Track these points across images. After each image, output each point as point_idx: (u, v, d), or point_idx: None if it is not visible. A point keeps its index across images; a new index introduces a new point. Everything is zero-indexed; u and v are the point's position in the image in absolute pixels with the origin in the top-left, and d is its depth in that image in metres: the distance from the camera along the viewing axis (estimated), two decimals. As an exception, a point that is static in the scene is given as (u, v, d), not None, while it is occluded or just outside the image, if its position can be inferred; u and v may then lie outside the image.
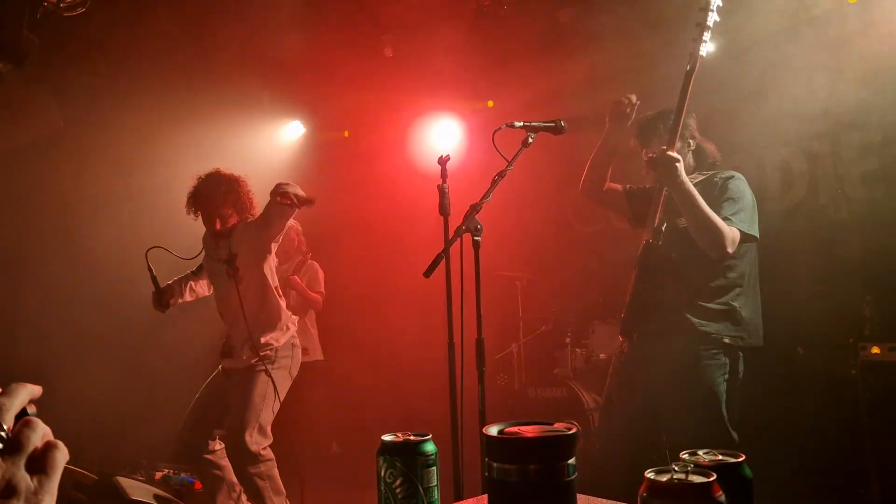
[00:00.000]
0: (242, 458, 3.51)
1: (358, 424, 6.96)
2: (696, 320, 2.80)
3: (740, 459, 0.92)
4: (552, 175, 6.45)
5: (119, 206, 5.85)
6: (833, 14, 4.85)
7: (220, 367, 3.84)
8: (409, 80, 6.28)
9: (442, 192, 2.96)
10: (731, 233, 2.77)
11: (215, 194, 3.68)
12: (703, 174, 2.99)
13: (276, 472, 3.60)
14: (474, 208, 2.54)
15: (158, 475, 4.70)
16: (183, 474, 4.68)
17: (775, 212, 5.39)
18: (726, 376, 2.81)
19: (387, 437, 1.11)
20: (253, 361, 3.62)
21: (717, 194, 2.84)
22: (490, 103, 6.85)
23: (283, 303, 3.80)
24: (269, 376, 3.59)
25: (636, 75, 5.70)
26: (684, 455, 0.96)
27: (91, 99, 5.66)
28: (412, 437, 1.11)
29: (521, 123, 2.69)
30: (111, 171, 5.79)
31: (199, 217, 3.74)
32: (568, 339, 5.20)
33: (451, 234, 2.89)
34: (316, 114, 7.07)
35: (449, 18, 5.23)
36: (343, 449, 5.85)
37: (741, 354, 2.88)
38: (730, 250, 2.75)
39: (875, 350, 4.09)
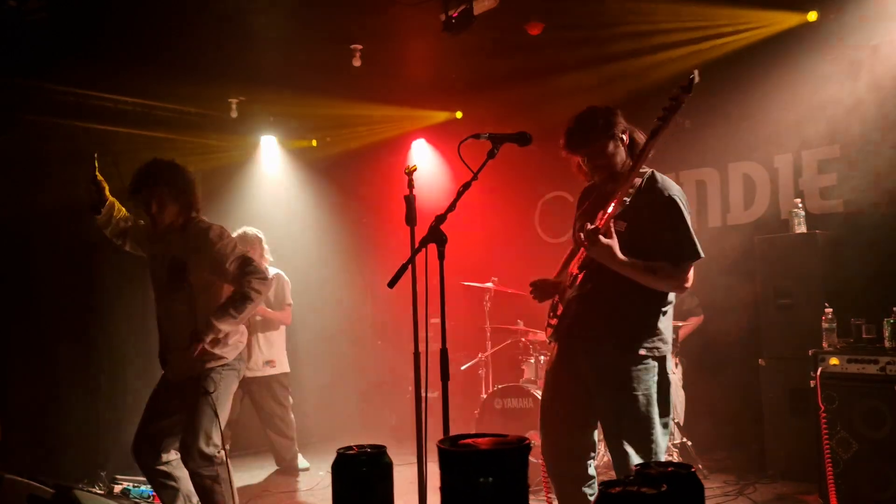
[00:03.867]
0: (197, 461, 3.44)
1: (325, 435, 6.91)
2: (623, 333, 2.80)
3: (691, 470, 0.93)
4: (519, 187, 6.51)
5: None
6: (793, 32, 4.97)
7: (165, 376, 3.69)
8: (377, 91, 6.29)
9: (409, 203, 2.95)
10: (684, 269, 2.76)
11: (159, 176, 3.54)
12: (642, 174, 2.87)
13: (229, 475, 3.54)
14: (439, 219, 2.54)
15: (117, 488, 4.60)
16: (143, 487, 4.58)
17: (738, 225, 5.50)
18: (655, 378, 2.78)
19: (342, 450, 1.10)
20: (199, 372, 3.52)
21: (666, 219, 2.77)
22: (458, 114, 6.89)
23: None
24: (215, 387, 3.50)
25: (603, 90, 5.78)
26: (636, 465, 0.96)
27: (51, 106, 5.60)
28: (368, 450, 1.09)
29: (487, 135, 2.70)
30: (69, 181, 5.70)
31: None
32: (534, 350, 5.22)
33: (414, 243, 2.91)
34: (284, 123, 7.04)
35: (418, 30, 5.23)
36: (309, 459, 5.78)
37: (665, 359, 2.84)
38: (688, 286, 2.78)
39: (834, 362, 4.16)
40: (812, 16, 4.83)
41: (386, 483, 1.08)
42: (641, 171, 2.86)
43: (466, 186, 2.60)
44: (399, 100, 6.53)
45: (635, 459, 2.71)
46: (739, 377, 5.09)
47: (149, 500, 4.44)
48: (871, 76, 4.72)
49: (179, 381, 3.57)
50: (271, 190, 7.09)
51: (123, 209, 3.83)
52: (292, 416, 5.66)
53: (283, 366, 5.65)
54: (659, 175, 2.90)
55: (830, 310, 4.29)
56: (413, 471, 5.55)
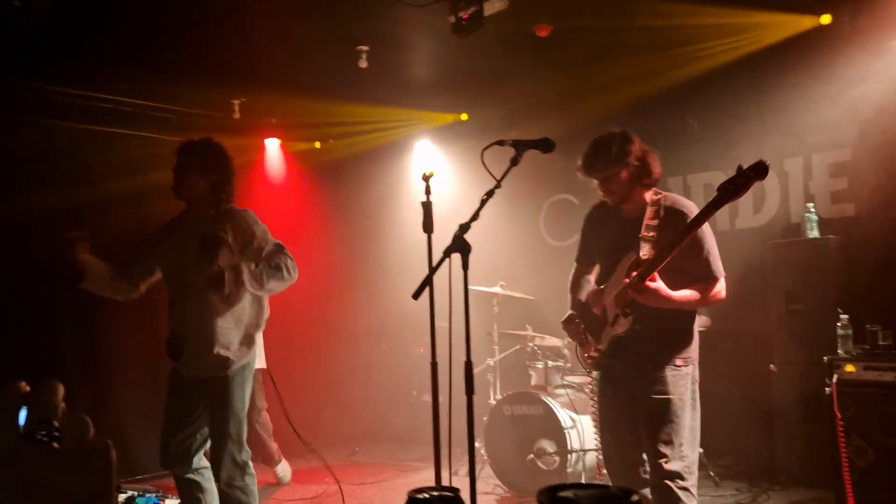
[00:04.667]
0: (230, 470, 3.32)
1: (328, 440, 6.84)
2: (665, 349, 2.99)
3: None
4: (524, 190, 6.46)
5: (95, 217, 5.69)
6: (807, 35, 4.93)
7: (176, 372, 3.45)
8: (382, 93, 6.22)
9: (426, 209, 2.89)
10: (721, 287, 2.98)
11: (209, 159, 3.40)
12: (656, 198, 3.02)
13: (256, 487, 3.45)
14: (463, 228, 2.48)
15: (122, 497, 4.52)
16: (149, 495, 4.50)
17: (748, 229, 5.46)
18: (692, 384, 3.03)
19: (413, 493, 1.03)
20: (228, 371, 3.35)
21: (696, 243, 2.90)
22: (464, 116, 6.83)
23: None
24: (244, 384, 3.41)
25: (612, 93, 5.75)
26: None
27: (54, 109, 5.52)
28: (440, 494, 1.03)
29: (511, 141, 2.64)
30: (73, 181, 5.63)
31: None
32: (543, 356, 5.16)
33: (433, 251, 2.85)
34: (287, 125, 6.96)
35: (425, 31, 5.17)
36: (314, 464, 5.72)
37: (695, 365, 3.09)
38: (723, 297, 2.98)
39: (849, 369, 4.12)
40: (826, 19, 4.78)
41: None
42: (656, 196, 3.03)
43: (490, 194, 2.55)
44: (404, 101, 6.46)
45: (666, 462, 2.88)
46: (750, 383, 5.04)
47: (155, 510, 4.35)
48: (884, 79, 4.68)
49: (198, 378, 3.38)
50: (274, 192, 7.02)
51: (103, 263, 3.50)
52: None
53: (260, 361, 5.58)
54: (673, 197, 3.05)
55: (846, 316, 4.25)
56: (419, 477, 5.55)
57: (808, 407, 4.59)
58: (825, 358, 4.22)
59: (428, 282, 2.47)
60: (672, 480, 2.88)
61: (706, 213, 2.72)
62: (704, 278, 2.95)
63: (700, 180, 5.74)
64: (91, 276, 3.38)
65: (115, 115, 5.85)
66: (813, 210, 4.83)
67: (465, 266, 2.44)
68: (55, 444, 2.55)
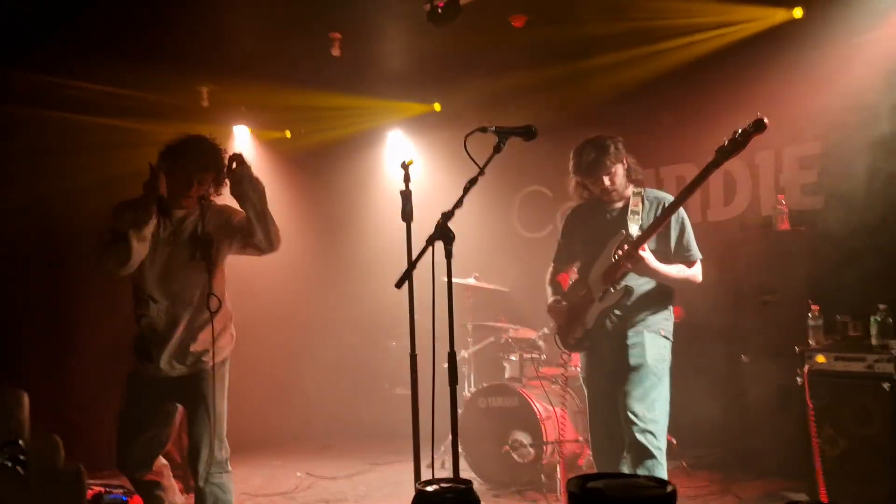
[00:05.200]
0: (210, 466, 3.23)
1: (300, 433, 6.76)
2: (649, 320, 3.32)
3: None
4: (497, 181, 6.43)
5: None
6: (779, 29, 4.96)
7: (141, 373, 3.32)
8: (355, 81, 6.14)
9: (405, 198, 2.85)
10: (698, 268, 3.36)
11: (209, 154, 3.29)
12: (637, 191, 3.36)
13: (233, 486, 3.37)
14: (446, 216, 2.43)
15: (89, 493, 4.40)
16: (116, 492, 4.38)
17: (720, 221, 5.50)
18: (667, 354, 3.35)
19: (423, 485, 0.99)
20: (209, 365, 3.27)
21: (676, 228, 3.29)
22: (437, 107, 6.76)
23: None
24: (224, 378, 3.35)
25: (585, 86, 5.74)
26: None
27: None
28: (452, 485, 0.98)
29: (493, 128, 2.60)
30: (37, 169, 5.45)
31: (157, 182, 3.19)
32: (517, 348, 5.15)
33: (412, 240, 2.81)
34: (257, 113, 6.84)
35: (400, 19, 5.10)
36: (285, 458, 5.66)
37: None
38: (700, 280, 3.35)
39: (820, 359, 4.17)
40: (798, 12, 4.82)
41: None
42: (636, 190, 3.36)
43: (473, 182, 2.50)
44: (377, 91, 6.38)
45: (640, 424, 3.14)
46: (722, 374, 5.08)
47: (122, 506, 4.24)
48: (854, 73, 4.73)
49: (173, 376, 3.29)
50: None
51: None
52: None
53: None
54: (652, 190, 3.42)
55: (817, 307, 4.30)
56: (393, 471, 5.51)
57: (780, 397, 4.63)
58: (797, 348, 4.27)
59: (410, 270, 2.42)
60: (645, 436, 3.12)
61: (704, 176, 3.03)
62: (685, 260, 3.30)
63: (673, 172, 5.76)
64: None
65: (81, 102, 5.68)
66: (784, 202, 4.87)
67: (449, 255, 2.40)
68: (20, 470, 2.42)
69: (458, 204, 2.48)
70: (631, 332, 3.26)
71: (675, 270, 3.24)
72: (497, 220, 6.59)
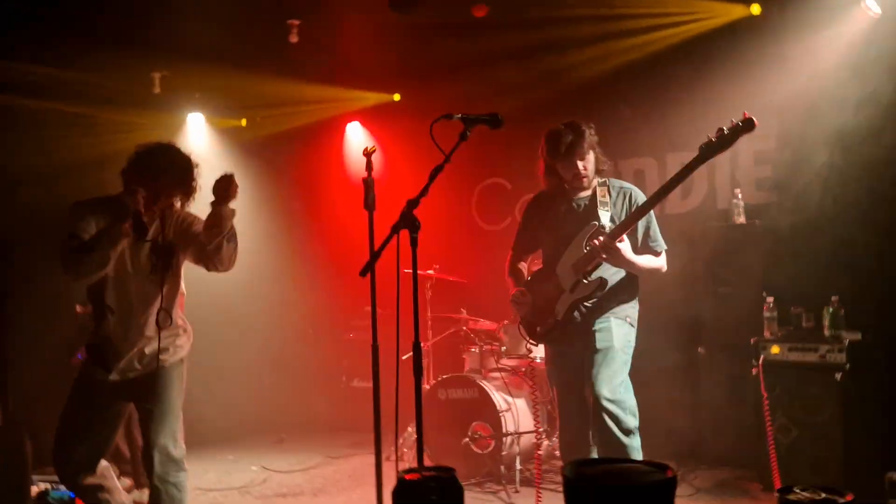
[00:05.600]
0: (165, 465, 3.14)
1: (254, 427, 6.65)
2: (619, 307, 3.35)
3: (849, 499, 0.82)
4: (456, 173, 6.39)
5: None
6: (737, 25, 5.03)
7: (91, 376, 3.20)
8: (313, 69, 6.04)
9: (367, 186, 2.80)
10: (664, 258, 3.42)
11: (184, 171, 3.25)
12: (602, 181, 3.39)
13: (188, 484, 3.28)
14: (411, 204, 2.39)
15: (35, 490, 4.26)
16: (63, 488, 4.25)
17: (677, 215, 5.55)
18: (632, 340, 3.40)
19: (404, 473, 0.94)
20: (166, 364, 3.21)
21: (643, 222, 3.32)
22: (396, 97, 6.70)
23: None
24: (182, 376, 3.28)
25: (547, 79, 5.75)
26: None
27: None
28: (434, 473, 0.94)
29: (459, 115, 2.56)
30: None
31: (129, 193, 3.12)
32: (478, 340, 5.13)
33: (374, 229, 2.76)
34: (211, 100, 6.67)
35: (360, 6, 5.03)
36: (240, 452, 5.55)
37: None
38: (665, 269, 3.42)
39: (775, 350, 4.25)
40: (755, 9, 4.90)
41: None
42: (601, 180, 3.38)
43: (439, 169, 2.46)
44: (335, 80, 6.29)
45: (611, 407, 3.16)
46: (679, 365, 5.13)
47: (70, 503, 4.12)
48: (808, 71, 4.82)
49: (131, 378, 3.20)
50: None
51: None
52: None
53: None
54: (616, 181, 3.45)
55: (772, 299, 4.37)
56: (350, 464, 5.44)
57: (734, 388, 4.71)
58: (752, 340, 4.35)
59: (374, 259, 2.37)
60: (617, 417, 3.15)
61: (688, 172, 3.05)
62: (652, 250, 3.35)
63: (631, 166, 5.80)
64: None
65: (27, 84, 5.46)
66: (740, 196, 4.95)
67: (414, 243, 2.36)
68: None
69: (424, 192, 2.44)
70: (598, 320, 3.28)
71: (645, 261, 3.28)
72: (456, 211, 6.55)
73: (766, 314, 4.37)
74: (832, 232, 4.59)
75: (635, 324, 3.42)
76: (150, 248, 3.19)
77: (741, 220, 4.89)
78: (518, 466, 4.60)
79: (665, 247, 3.42)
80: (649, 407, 5.18)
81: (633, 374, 5.25)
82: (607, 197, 3.31)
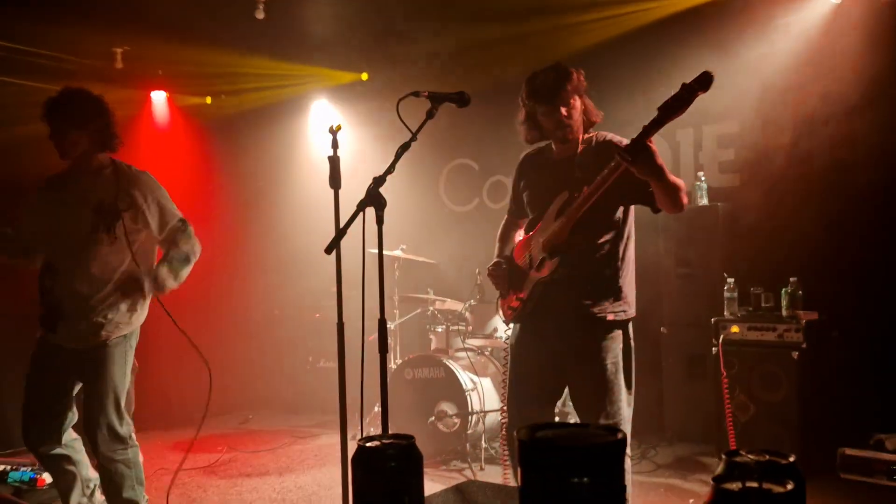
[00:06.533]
0: (110, 443, 3.13)
1: (218, 408, 6.62)
2: (588, 302, 2.78)
3: (790, 459, 0.86)
4: (424, 154, 6.39)
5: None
6: (704, 7, 5.07)
7: (42, 340, 3.24)
8: (279, 46, 5.96)
9: (332, 164, 2.78)
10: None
11: (83, 110, 3.14)
12: (590, 135, 2.87)
13: (140, 458, 3.27)
14: (377, 181, 2.38)
15: (-7, 471, 4.19)
16: (23, 469, 4.19)
17: (641, 196, 5.62)
18: (622, 346, 2.83)
19: (364, 441, 0.96)
20: (109, 339, 3.16)
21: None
22: (364, 76, 6.65)
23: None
24: (126, 354, 3.22)
25: (508, 62, 5.74)
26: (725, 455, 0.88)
27: None
28: (395, 441, 0.96)
29: (427, 93, 2.54)
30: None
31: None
32: (444, 319, 5.15)
33: (339, 207, 2.76)
34: (175, 77, 6.56)
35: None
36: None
37: (629, 326, 2.90)
38: (686, 202, 2.70)
39: (734, 329, 4.34)
40: (719, -8, 4.94)
41: (417, 479, 0.95)
42: (588, 135, 2.88)
43: (405, 147, 2.44)
44: (302, 57, 6.22)
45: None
46: (641, 344, 5.17)
47: (31, 484, 4.06)
48: (772, 56, 4.89)
49: (75, 347, 3.17)
50: (160, 149, 6.62)
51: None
52: None
53: None
54: (605, 133, 2.89)
55: (732, 279, 4.47)
56: (316, 444, 5.45)
57: (694, 366, 4.81)
58: (712, 319, 4.44)
59: (340, 236, 2.37)
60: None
61: (647, 134, 2.47)
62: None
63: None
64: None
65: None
66: (703, 178, 5.02)
67: (380, 221, 2.36)
68: None
69: (390, 169, 2.43)
70: (579, 321, 2.78)
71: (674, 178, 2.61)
72: (424, 192, 6.55)
73: (727, 294, 4.46)
74: (792, 214, 4.69)
75: (628, 315, 2.85)
76: (93, 209, 3.14)
77: (704, 202, 4.96)
78: (483, 445, 4.66)
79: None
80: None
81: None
82: (586, 154, 2.79)
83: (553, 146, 2.94)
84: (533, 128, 2.89)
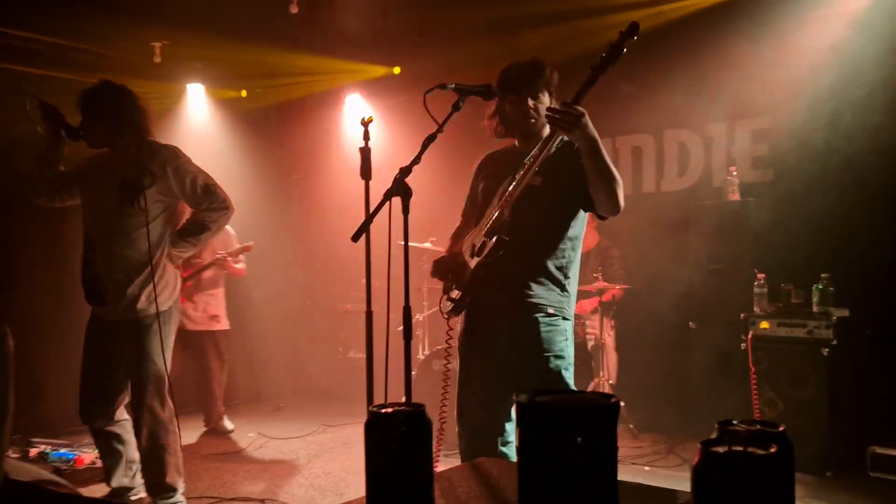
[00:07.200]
0: (153, 426, 3.24)
1: (251, 397, 6.75)
2: (534, 293, 2.69)
3: (779, 428, 0.90)
4: (455, 146, 6.42)
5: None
6: (736, 2, 5.03)
7: (91, 315, 3.39)
8: (313, 41, 6.04)
9: (364, 155, 2.82)
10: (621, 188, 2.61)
11: (112, 104, 3.30)
12: (549, 136, 2.69)
13: (179, 447, 3.37)
14: (404, 171, 2.43)
15: (34, 452, 4.34)
16: (62, 450, 4.34)
17: (672, 192, 5.60)
18: (567, 341, 2.72)
19: (375, 408, 1.00)
20: (145, 314, 3.25)
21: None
22: (396, 70, 6.70)
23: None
24: (162, 330, 3.28)
25: (550, 50, 5.74)
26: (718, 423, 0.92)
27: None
28: (405, 408, 1.01)
29: (453, 85, 2.58)
30: None
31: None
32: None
33: (371, 198, 2.80)
34: (212, 71, 6.68)
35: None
36: (235, 421, 5.64)
37: (571, 322, 2.79)
38: (622, 203, 2.61)
39: (764, 325, 4.31)
40: (754, -14, 4.89)
41: (427, 444, 0.99)
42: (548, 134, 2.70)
43: (431, 139, 2.48)
44: (336, 51, 6.29)
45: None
46: (670, 340, 5.21)
47: (69, 464, 4.21)
48: (805, 50, 4.84)
49: (116, 320, 3.28)
50: (196, 141, 6.74)
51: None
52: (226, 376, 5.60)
53: (225, 322, 5.58)
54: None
55: (763, 275, 4.43)
56: (345, 432, 5.54)
57: (722, 362, 4.78)
58: (742, 315, 4.41)
59: (367, 223, 2.42)
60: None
61: (582, 93, 2.48)
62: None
63: (629, 143, 5.84)
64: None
65: (26, 52, 5.48)
66: (735, 174, 4.98)
67: (406, 210, 2.40)
68: None
69: (416, 160, 2.47)
70: (519, 310, 2.68)
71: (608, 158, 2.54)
72: (454, 184, 6.57)
73: (757, 290, 4.43)
74: (823, 210, 4.63)
75: (568, 315, 2.74)
76: (118, 185, 3.26)
77: (735, 197, 4.93)
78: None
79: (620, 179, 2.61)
80: (639, 381, 5.33)
81: (625, 348, 5.38)
82: (540, 149, 2.62)
83: (517, 143, 2.88)
84: (500, 122, 2.85)
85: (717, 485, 0.81)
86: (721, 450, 0.81)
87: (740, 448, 0.79)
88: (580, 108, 2.45)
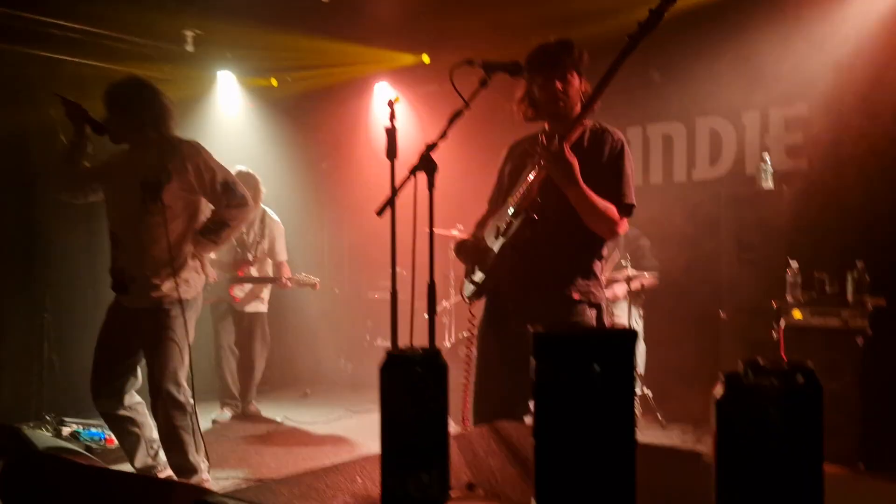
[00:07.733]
0: (170, 409, 3.28)
1: (277, 383, 6.80)
2: (559, 276, 2.65)
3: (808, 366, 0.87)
4: (482, 132, 6.40)
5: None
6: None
7: (113, 302, 3.44)
8: (343, 29, 6.05)
9: (390, 135, 2.81)
10: (624, 213, 2.63)
11: (136, 100, 3.34)
12: (584, 124, 2.71)
13: (198, 425, 3.40)
14: (430, 147, 2.42)
15: (66, 431, 4.42)
16: (93, 429, 4.41)
17: (704, 181, 5.52)
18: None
19: (392, 352, 1.00)
20: (166, 300, 3.30)
21: (609, 164, 2.65)
22: (425, 58, 6.69)
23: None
24: (184, 318, 3.33)
25: (581, 29, 5.68)
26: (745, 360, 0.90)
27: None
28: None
29: (480, 62, 2.56)
30: (16, 105, 5.35)
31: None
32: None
33: (397, 181, 2.79)
34: (242, 59, 6.73)
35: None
36: (262, 406, 5.69)
37: (601, 308, 2.74)
38: (621, 232, 2.65)
39: (797, 314, 4.23)
40: (789, -29, 4.79)
41: (442, 387, 0.98)
42: (585, 123, 2.71)
43: (458, 115, 2.47)
44: (365, 39, 6.29)
45: None
46: (700, 329, 5.13)
47: (100, 444, 4.28)
48: (840, 37, 4.73)
49: (137, 307, 3.34)
50: (227, 129, 6.82)
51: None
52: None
53: (266, 305, 5.65)
54: (604, 125, 2.76)
55: (796, 264, 4.35)
56: (371, 418, 5.55)
57: (753, 352, 4.65)
58: (774, 303, 4.33)
59: (392, 199, 2.42)
60: None
61: (616, 67, 2.44)
62: (614, 200, 2.59)
63: (659, 130, 5.77)
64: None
65: (63, 40, 5.57)
66: (768, 161, 4.90)
67: (431, 185, 2.39)
68: None
69: (443, 135, 2.46)
70: (542, 295, 2.62)
71: (597, 199, 2.54)
72: (482, 172, 6.54)
73: (790, 279, 4.34)
74: (858, 198, 4.53)
75: (596, 299, 2.68)
76: (140, 182, 3.30)
77: (768, 185, 4.84)
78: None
79: (630, 204, 2.64)
80: (669, 370, 5.26)
81: (654, 337, 5.32)
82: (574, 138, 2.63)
83: (546, 127, 2.80)
84: (530, 105, 2.79)
85: (743, 417, 0.79)
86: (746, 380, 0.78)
87: (766, 380, 0.77)
88: (568, 159, 2.47)
